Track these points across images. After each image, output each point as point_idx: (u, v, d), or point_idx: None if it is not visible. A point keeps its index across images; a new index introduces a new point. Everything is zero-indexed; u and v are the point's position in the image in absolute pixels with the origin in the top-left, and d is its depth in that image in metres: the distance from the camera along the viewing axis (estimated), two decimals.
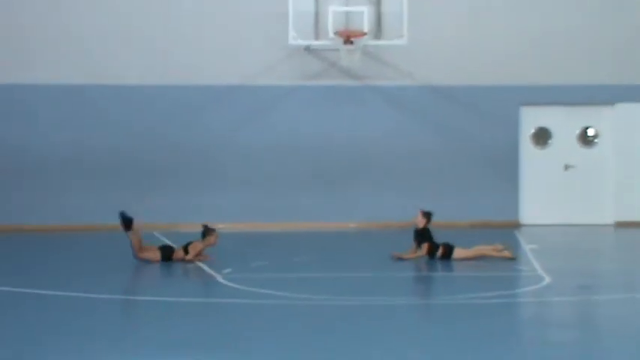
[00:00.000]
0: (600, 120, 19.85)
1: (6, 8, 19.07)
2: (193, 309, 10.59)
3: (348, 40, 17.99)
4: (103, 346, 8.37)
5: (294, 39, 18.16)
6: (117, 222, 13.57)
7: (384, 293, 11.16)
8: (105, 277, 12.67)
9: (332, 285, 11.72)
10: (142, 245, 13.71)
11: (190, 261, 13.59)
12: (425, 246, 13.76)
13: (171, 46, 19.16)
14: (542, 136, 19.94)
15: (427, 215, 13.96)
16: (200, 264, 13.34)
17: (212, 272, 12.64)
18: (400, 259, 13.77)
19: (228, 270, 12.71)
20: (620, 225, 19.43)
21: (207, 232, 13.87)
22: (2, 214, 18.83)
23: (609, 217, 19.66)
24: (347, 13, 18.39)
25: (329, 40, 18.21)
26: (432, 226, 14.12)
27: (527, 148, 19.83)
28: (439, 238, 14.04)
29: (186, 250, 13.70)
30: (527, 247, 15.56)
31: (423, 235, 13.87)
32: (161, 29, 19.16)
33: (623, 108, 19.65)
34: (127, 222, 13.53)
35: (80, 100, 19.13)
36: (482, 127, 19.41)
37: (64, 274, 12.86)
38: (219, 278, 12.15)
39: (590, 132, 19.93)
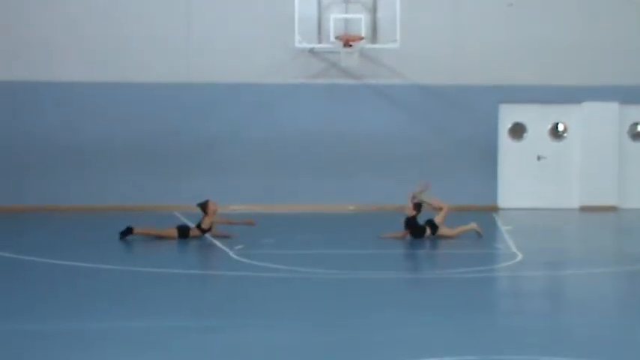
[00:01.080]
0: (569, 117, 19.80)
1: (51, 18, 19.02)
2: (209, 280, 10.61)
3: (347, 44, 17.95)
4: (135, 311, 8.42)
5: (300, 42, 18.12)
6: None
7: (378, 268, 11.18)
8: (132, 251, 12.70)
9: (332, 260, 11.72)
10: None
11: (208, 232, 13.59)
12: (407, 231, 13.86)
13: (192, 48, 19.08)
14: (517, 131, 19.90)
15: (417, 207, 14.00)
16: (215, 240, 13.33)
17: (225, 248, 12.65)
18: (388, 238, 13.81)
19: (239, 246, 12.71)
20: (585, 209, 19.41)
21: (203, 207, 13.77)
22: (45, 195, 18.83)
23: (575, 201, 19.64)
24: (346, 20, 18.34)
25: (330, 44, 18.16)
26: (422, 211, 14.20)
27: (504, 141, 19.79)
28: (426, 218, 14.05)
29: (199, 227, 13.70)
30: (503, 228, 15.56)
31: (411, 223, 13.89)
32: (183, 34, 19.09)
33: (588, 106, 19.61)
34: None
35: (114, 96, 19.05)
36: (465, 121, 19.37)
37: (99, 247, 12.87)
38: (232, 254, 12.16)
39: (560, 127, 19.89)
